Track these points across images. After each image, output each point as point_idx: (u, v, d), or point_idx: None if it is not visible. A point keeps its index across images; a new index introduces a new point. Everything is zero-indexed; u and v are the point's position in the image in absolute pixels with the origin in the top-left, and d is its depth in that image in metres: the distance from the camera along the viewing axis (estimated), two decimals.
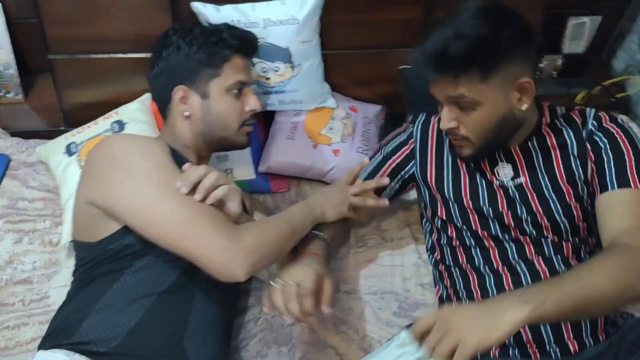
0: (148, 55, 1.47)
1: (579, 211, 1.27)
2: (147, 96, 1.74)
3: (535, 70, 1.23)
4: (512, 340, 1.20)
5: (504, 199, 1.30)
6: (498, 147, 1.30)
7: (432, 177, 1.40)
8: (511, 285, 1.26)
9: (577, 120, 1.30)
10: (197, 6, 1.64)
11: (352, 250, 1.54)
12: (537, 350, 1.20)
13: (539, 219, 1.27)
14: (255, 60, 1.68)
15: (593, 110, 1.30)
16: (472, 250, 1.33)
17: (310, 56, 1.74)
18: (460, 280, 1.33)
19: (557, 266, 1.26)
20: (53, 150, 1.68)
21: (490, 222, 1.31)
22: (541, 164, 1.29)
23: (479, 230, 1.32)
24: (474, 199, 1.33)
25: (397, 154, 1.46)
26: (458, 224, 1.35)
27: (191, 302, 1.19)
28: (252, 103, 1.39)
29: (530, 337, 1.20)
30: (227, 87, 1.35)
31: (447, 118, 1.22)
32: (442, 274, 1.39)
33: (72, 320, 1.14)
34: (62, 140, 1.68)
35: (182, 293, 1.19)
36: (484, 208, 1.31)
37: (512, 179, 1.31)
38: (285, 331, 1.35)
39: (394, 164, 1.46)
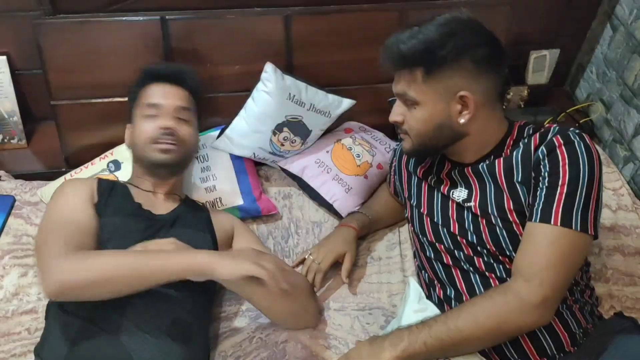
0: None
1: None
2: None
3: (481, 87, 1.23)
4: None
5: (455, 211, 1.35)
6: (433, 153, 1.39)
7: (406, 188, 1.53)
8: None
9: (534, 143, 1.24)
10: (268, 69, 1.78)
11: (339, 270, 1.60)
12: None
13: (487, 244, 1.28)
14: (285, 130, 1.84)
15: (555, 132, 1.23)
16: (434, 262, 1.39)
17: (317, 138, 1.94)
18: (427, 284, 1.43)
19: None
20: (53, 191, 1.77)
21: (441, 231, 1.37)
22: (492, 193, 1.29)
23: (435, 243, 1.38)
24: (429, 206, 1.41)
25: (390, 174, 1.68)
26: (416, 230, 1.44)
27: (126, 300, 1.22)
28: (163, 122, 1.48)
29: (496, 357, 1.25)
30: (141, 111, 1.52)
31: (394, 112, 1.32)
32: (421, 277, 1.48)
33: None
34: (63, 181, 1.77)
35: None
36: (435, 215, 1.38)
37: (464, 202, 1.33)
38: (279, 348, 1.41)
39: (392, 182, 1.68)
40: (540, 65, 2.09)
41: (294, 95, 1.81)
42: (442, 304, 1.35)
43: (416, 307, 1.30)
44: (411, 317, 1.27)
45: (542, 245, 1.16)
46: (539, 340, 1.22)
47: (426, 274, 1.44)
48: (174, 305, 1.28)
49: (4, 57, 1.83)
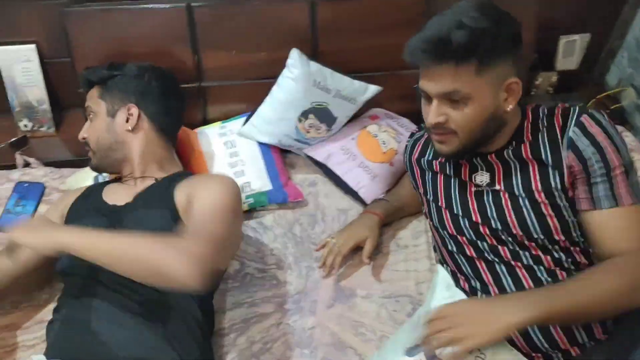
0: None
1: (557, 222, 1.24)
2: None
3: (521, 73, 1.23)
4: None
5: (474, 199, 1.33)
6: (480, 146, 1.29)
7: (420, 184, 1.50)
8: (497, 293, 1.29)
9: (557, 125, 1.24)
10: (294, 55, 1.78)
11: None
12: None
13: (513, 229, 1.27)
14: (311, 116, 1.85)
15: (577, 111, 1.24)
16: (456, 256, 1.38)
17: (342, 124, 1.93)
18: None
19: (540, 276, 1.26)
20: (82, 179, 1.79)
21: (461, 222, 1.35)
22: (518, 175, 1.28)
23: (457, 235, 1.36)
24: (446, 198, 1.39)
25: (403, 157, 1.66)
26: (436, 224, 1.43)
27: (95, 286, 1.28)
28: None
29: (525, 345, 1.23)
30: None
31: (436, 112, 1.22)
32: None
33: None
34: (90, 172, 1.77)
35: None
36: (455, 206, 1.36)
37: (488, 185, 1.32)
38: (307, 334, 1.43)
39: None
40: (570, 51, 2.05)
41: (320, 82, 1.80)
42: (468, 296, 1.34)
43: (446, 294, 1.28)
44: (441, 304, 1.26)
45: (628, 228, 1.18)
46: (569, 327, 1.20)
47: (448, 268, 1.42)
48: (143, 286, 1.22)
49: (33, 46, 1.84)
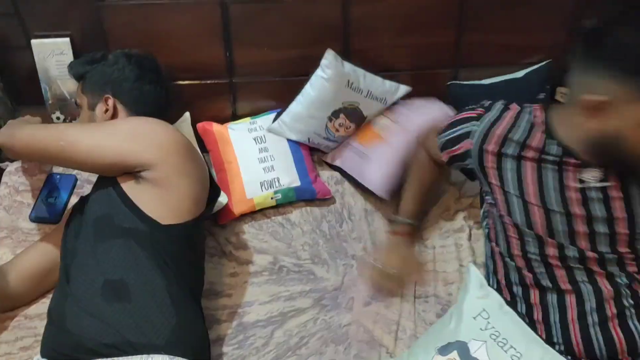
0: (202, 82, 1.80)
1: None
2: (187, 116, 1.91)
3: None
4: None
5: (580, 198, 1.25)
6: None
7: (493, 174, 1.35)
8: (574, 306, 1.25)
9: None
10: (329, 56, 1.78)
11: None
12: None
13: (618, 233, 1.23)
14: (341, 116, 1.85)
15: None
16: (538, 261, 1.29)
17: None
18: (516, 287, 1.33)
19: (619, 281, 1.24)
20: None
21: (559, 221, 1.25)
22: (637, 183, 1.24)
23: (546, 236, 1.27)
24: (539, 192, 1.27)
25: (457, 147, 1.43)
26: (518, 221, 1.30)
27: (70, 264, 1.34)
28: None
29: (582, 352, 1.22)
30: None
31: None
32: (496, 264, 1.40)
33: None
34: None
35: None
36: (551, 202, 1.26)
37: (601, 181, 1.25)
38: (342, 331, 1.44)
39: (451, 154, 1.46)
40: None
41: (352, 83, 1.80)
42: (531, 308, 1.29)
43: (478, 293, 1.28)
44: (474, 303, 1.26)
45: None
46: (632, 336, 1.20)
47: (516, 276, 1.34)
48: (103, 270, 1.27)
49: (67, 39, 1.85)
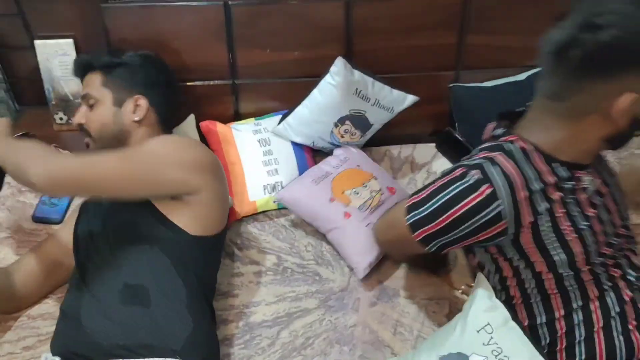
0: (205, 83, 1.78)
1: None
2: (191, 118, 1.91)
3: None
4: None
5: (596, 213, 1.24)
6: None
7: (529, 236, 1.20)
8: (600, 317, 1.22)
9: None
10: (339, 63, 1.76)
11: None
12: None
13: (614, 218, 1.28)
14: (347, 122, 1.85)
15: None
16: (571, 290, 1.24)
17: (374, 132, 1.94)
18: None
19: (630, 278, 1.26)
20: None
21: (591, 250, 1.21)
22: (605, 170, 1.32)
23: (584, 266, 1.22)
24: (575, 227, 1.20)
25: (483, 233, 1.21)
26: (561, 267, 1.22)
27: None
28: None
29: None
30: None
31: None
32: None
33: None
34: None
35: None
36: (584, 233, 1.21)
37: (590, 183, 1.25)
38: (348, 332, 1.44)
39: (471, 243, 1.26)
40: None
41: (360, 91, 1.80)
42: (555, 340, 1.25)
43: (485, 306, 1.25)
44: (479, 316, 1.23)
45: None
46: None
47: (541, 309, 1.27)
48: (124, 274, 1.29)
49: (71, 40, 1.85)
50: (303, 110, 1.84)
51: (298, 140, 1.89)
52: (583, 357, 1.21)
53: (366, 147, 1.98)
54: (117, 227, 1.36)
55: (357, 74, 1.79)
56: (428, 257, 1.50)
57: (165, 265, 1.31)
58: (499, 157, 1.19)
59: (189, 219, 1.35)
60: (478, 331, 1.20)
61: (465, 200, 1.17)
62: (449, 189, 1.19)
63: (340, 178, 1.73)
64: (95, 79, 1.55)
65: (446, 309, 1.51)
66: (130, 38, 1.80)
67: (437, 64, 1.98)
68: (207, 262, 1.41)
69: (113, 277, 1.29)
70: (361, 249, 1.56)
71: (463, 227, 1.19)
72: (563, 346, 1.24)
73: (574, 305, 1.23)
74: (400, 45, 1.91)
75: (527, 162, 1.20)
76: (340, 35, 1.87)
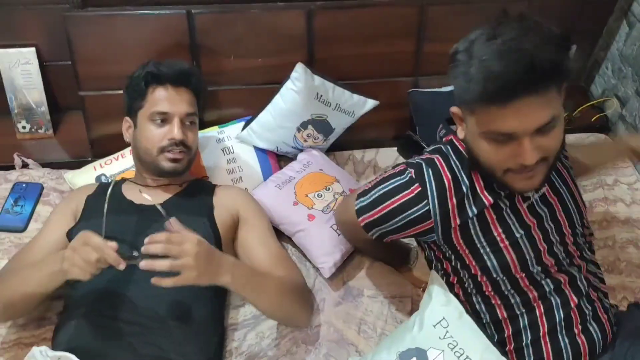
0: None
1: (582, 209, 1.32)
2: None
3: None
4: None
5: (530, 216, 1.24)
6: None
7: (460, 242, 1.25)
8: (545, 322, 1.26)
9: None
10: (299, 69, 1.80)
11: (376, 262, 1.67)
12: None
13: (564, 229, 1.26)
14: (310, 127, 1.88)
15: None
16: (508, 295, 1.27)
17: (339, 135, 1.98)
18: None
19: (580, 284, 1.27)
20: (82, 178, 1.80)
21: (524, 248, 1.23)
22: (558, 180, 1.28)
23: (516, 274, 1.24)
24: (507, 233, 1.22)
25: (410, 230, 1.28)
26: (496, 272, 1.25)
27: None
28: (170, 132, 1.46)
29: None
30: (148, 116, 1.48)
31: (532, 151, 1.05)
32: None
33: None
34: (92, 171, 1.81)
35: None
36: (517, 237, 1.23)
37: (537, 191, 1.24)
38: (313, 331, 1.48)
39: (406, 236, 1.33)
40: None
41: (321, 95, 1.84)
42: (504, 340, 1.29)
43: (441, 300, 1.30)
44: (436, 311, 1.28)
45: None
46: (593, 340, 1.26)
47: (487, 313, 1.31)
48: (172, 290, 1.26)
49: (33, 49, 1.86)
50: (266, 116, 1.87)
51: (262, 145, 1.91)
52: (532, 355, 1.26)
53: (330, 151, 2.03)
54: None
55: (318, 79, 1.83)
56: (389, 252, 1.62)
57: (211, 294, 1.40)
58: (436, 159, 1.24)
59: (232, 251, 1.50)
60: (434, 326, 1.25)
61: (398, 196, 1.24)
62: (388, 183, 1.26)
63: (303, 182, 1.77)
64: (193, 99, 1.57)
65: (409, 307, 1.55)
66: (94, 46, 1.80)
67: (396, 71, 2.04)
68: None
69: (159, 295, 1.28)
70: (326, 250, 1.60)
71: (395, 220, 1.26)
72: (512, 347, 1.28)
73: (517, 311, 1.26)
74: (360, 53, 1.96)
75: (461, 166, 1.23)
76: (302, 42, 1.91)
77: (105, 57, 1.81)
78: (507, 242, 1.22)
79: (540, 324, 1.25)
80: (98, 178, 1.78)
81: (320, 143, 1.93)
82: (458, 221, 1.22)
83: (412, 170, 1.24)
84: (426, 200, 1.21)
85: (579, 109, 2.12)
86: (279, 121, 1.86)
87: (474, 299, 1.30)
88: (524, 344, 1.26)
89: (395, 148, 2.09)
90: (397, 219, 1.26)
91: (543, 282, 1.25)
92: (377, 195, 1.28)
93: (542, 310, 1.25)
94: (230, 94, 1.99)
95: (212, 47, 1.88)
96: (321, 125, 1.90)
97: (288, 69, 1.82)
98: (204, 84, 1.59)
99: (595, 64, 2.25)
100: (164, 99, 1.48)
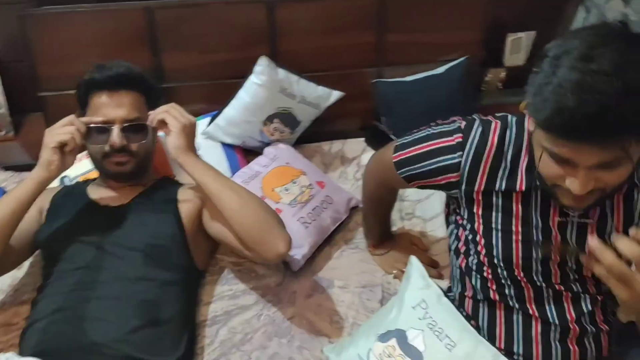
0: None
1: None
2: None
3: None
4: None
5: (557, 232, 1.17)
6: None
7: (480, 206, 1.23)
8: (539, 332, 1.23)
9: None
10: (262, 62, 1.79)
11: (345, 252, 1.69)
12: None
13: (587, 262, 1.12)
14: (275, 120, 1.88)
15: None
16: (505, 285, 1.25)
17: (305, 127, 1.98)
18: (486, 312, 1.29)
19: (583, 305, 1.22)
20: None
21: (534, 253, 1.19)
22: (611, 211, 1.15)
23: (516, 269, 1.21)
24: (524, 229, 1.18)
25: (438, 178, 1.26)
26: (498, 258, 1.22)
27: None
28: (112, 139, 1.41)
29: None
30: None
31: (585, 182, 0.97)
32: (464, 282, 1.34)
33: None
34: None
35: None
36: (535, 236, 1.18)
37: (581, 217, 1.16)
38: (285, 324, 1.47)
39: (428, 184, 1.30)
40: (517, 48, 2.16)
41: (286, 88, 1.84)
42: (494, 327, 1.28)
43: (419, 284, 1.32)
44: (415, 294, 1.29)
45: None
46: (584, 344, 1.24)
47: (482, 293, 1.29)
48: (140, 290, 1.33)
49: None
50: (231, 111, 1.87)
51: (228, 140, 1.91)
52: (521, 352, 1.25)
53: (298, 144, 2.03)
54: (145, 248, 1.38)
55: (282, 72, 1.83)
56: (382, 224, 1.66)
57: (178, 285, 1.40)
58: (494, 123, 1.20)
59: (201, 255, 1.53)
60: (414, 307, 1.27)
61: (438, 140, 1.24)
62: (435, 128, 1.27)
63: (269, 176, 1.76)
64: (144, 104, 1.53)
65: (379, 295, 1.56)
66: (52, 44, 1.78)
67: (360, 62, 2.05)
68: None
69: (129, 292, 1.32)
70: (295, 243, 1.59)
71: (426, 162, 1.26)
72: (502, 336, 1.27)
73: (511, 303, 1.25)
74: (323, 45, 1.97)
75: (515, 141, 1.18)
76: (264, 36, 1.91)
77: (64, 56, 1.79)
78: (520, 238, 1.20)
79: (534, 324, 1.24)
80: (61, 180, 1.75)
81: (287, 136, 1.93)
82: (483, 187, 1.20)
83: (464, 122, 1.23)
84: (461, 152, 1.20)
85: None
86: (244, 116, 1.85)
87: (473, 274, 1.30)
88: (514, 339, 1.26)
89: (363, 139, 2.10)
90: (429, 161, 1.25)
91: (543, 289, 1.22)
92: (419, 136, 1.28)
93: (537, 313, 1.23)
94: (194, 90, 1.98)
95: (174, 43, 1.87)
96: (287, 119, 1.89)
97: (252, 63, 1.82)
98: (150, 82, 1.54)
99: None
100: (102, 105, 1.44)
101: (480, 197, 1.22)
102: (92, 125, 1.41)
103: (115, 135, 1.41)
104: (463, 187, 1.22)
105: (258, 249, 1.33)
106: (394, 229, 1.74)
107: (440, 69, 2.05)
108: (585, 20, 2.12)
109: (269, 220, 1.34)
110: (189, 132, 1.39)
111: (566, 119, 0.90)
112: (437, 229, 1.76)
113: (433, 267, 1.63)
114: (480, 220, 1.24)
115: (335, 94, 1.94)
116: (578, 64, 0.90)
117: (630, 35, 0.94)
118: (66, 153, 1.36)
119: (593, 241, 0.96)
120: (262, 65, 1.79)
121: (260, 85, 1.80)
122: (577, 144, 0.93)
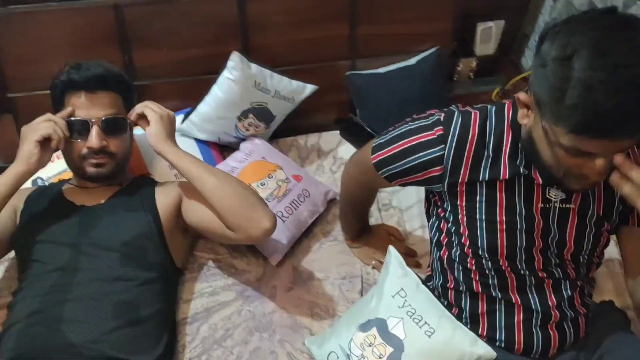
0: None
1: (604, 240, 1.24)
2: None
3: None
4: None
5: (541, 219, 1.19)
6: None
7: (462, 205, 1.24)
8: (521, 319, 1.25)
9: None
10: (235, 57, 1.78)
11: (324, 245, 1.70)
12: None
13: (567, 247, 1.21)
14: (250, 116, 1.87)
15: None
16: (489, 275, 1.26)
17: (279, 123, 1.97)
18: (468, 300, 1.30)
19: (563, 290, 1.25)
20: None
21: (518, 240, 1.21)
22: (593, 196, 1.18)
23: (500, 257, 1.23)
24: (508, 217, 1.19)
25: (421, 174, 1.25)
26: (482, 247, 1.24)
27: None
28: (89, 141, 1.39)
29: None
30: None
31: (605, 170, 0.99)
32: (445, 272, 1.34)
33: None
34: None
35: None
36: (519, 224, 1.19)
37: (562, 202, 1.18)
38: (266, 319, 1.48)
39: (414, 181, 1.29)
40: (487, 37, 2.17)
41: (260, 83, 1.84)
42: (477, 317, 1.29)
43: (398, 273, 1.34)
44: (394, 282, 1.32)
45: None
46: (563, 329, 1.26)
47: (464, 284, 1.30)
48: (117, 290, 1.33)
49: None
50: (205, 107, 1.85)
51: (203, 137, 1.90)
52: (502, 338, 1.27)
53: (274, 138, 2.03)
54: (122, 247, 1.37)
55: (255, 67, 1.82)
56: (360, 221, 1.67)
57: (157, 285, 1.40)
58: (473, 113, 1.20)
59: (180, 252, 1.54)
60: (393, 296, 1.29)
61: (418, 135, 1.22)
62: (413, 123, 1.25)
63: (245, 172, 1.76)
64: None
65: (359, 286, 1.58)
66: (20, 44, 1.74)
67: (333, 54, 2.05)
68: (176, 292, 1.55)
69: (105, 295, 1.31)
70: (273, 237, 1.59)
71: (408, 159, 1.24)
72: (485, 325, 1.29)
73: (494, 293, 1.26)
74: (295, 39, 1.96)
75: (495, 129, 1.18)
76: (236, 31, 1.90)
77: (33, 56, 1.76)
78: (504, 227, 1.21)
79: (516, 311, 1.26)
80: (34, 182, 1.72)
81: (262, 131, 1.93)
82: (466, 178, 1.20)
83: (442, 114, 1.22)
84: (443, 145, 1.19)
85: (511, 82, 2.18)
86: (218, 112, 1.84)
87: (455, 266, 1.30)
88: (497, 325, 1.28)
89: (338, 131, 2.10)
90: (410, 158, 1.23)
91: (526, 277, 1.24)
92: (397, 133, 1.26)
93: (520, 301, 1.25)
94: (167, 87, 1.96)
95: (144, 40, 1.85)
96: (262, 113, 1.89)
97: (225, 58, 1.81)
98: (128, 82, 1.52)
99: (524, 37, 2.32)
100: (80, 106, 1.41)
101: (463, 188, 1.22)
102: (71, 119, 1.39)
103: (94, 136, 1.39)
104: (446, 180, 1.22)
105: (243, 226, 1.32)
106: (371, 220, 1.75)
107: (412, 60, 2.06)
108: (553, 8, 2.15)
109: (251, 198, 1.36)
110: (167, 123, 1.44)
111: (605, 121, 0.89)
112: (414, 218, 1.77)
113: (411, 256, 1.64)
114: (464, 212, 1.24)
115: (310, 88, 1.94)
116: (595, 62, 0.88)
117: (624, 18, 0.94)
118: (47, 149, 1.36)
119: (619, 156, 0.96)
120: (234, 61, 1.78)
121: (234, 80, 1.79)
122: (610, 140, 0.93)
